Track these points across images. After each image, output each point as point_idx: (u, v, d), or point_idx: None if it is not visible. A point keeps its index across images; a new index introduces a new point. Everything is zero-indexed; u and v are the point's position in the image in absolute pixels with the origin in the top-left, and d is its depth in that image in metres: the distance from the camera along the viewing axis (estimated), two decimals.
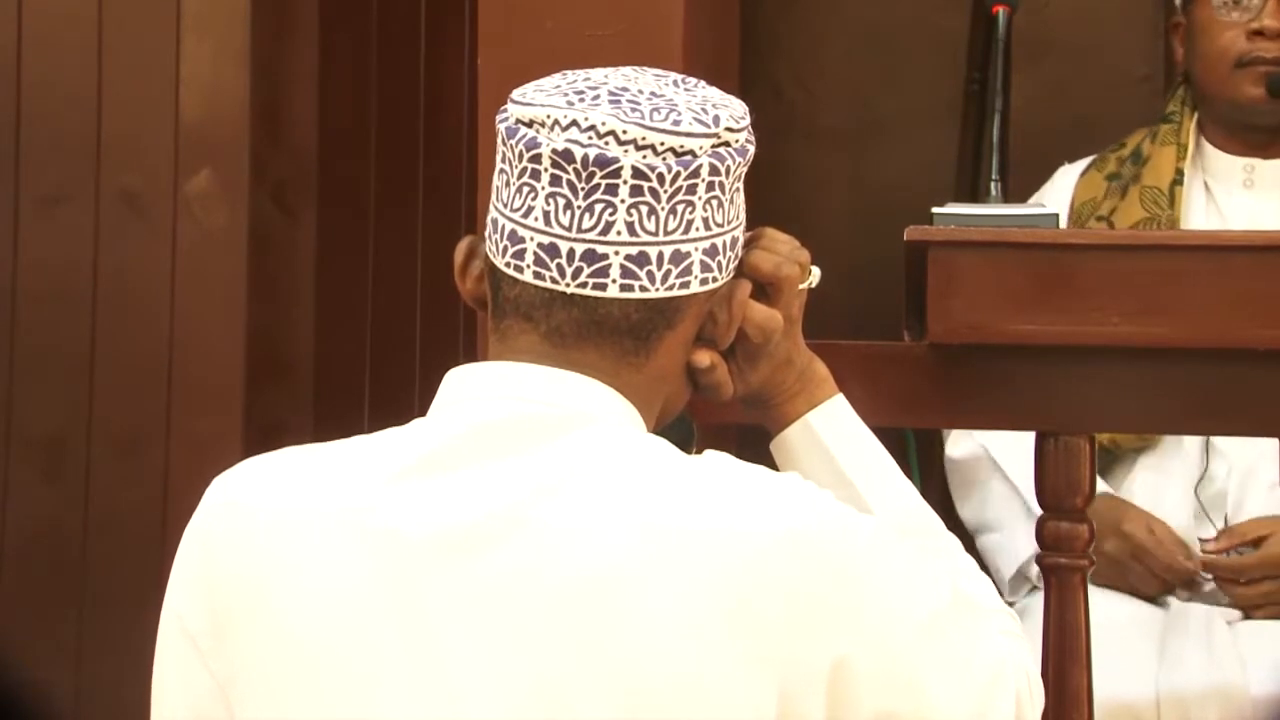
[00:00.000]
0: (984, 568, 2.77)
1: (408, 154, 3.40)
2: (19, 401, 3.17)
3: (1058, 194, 2.90)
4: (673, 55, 2.15)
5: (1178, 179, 2.87)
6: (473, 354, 2.13)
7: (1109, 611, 2.63)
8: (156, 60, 3.15)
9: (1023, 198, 2.28)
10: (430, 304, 3.39)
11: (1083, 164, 2.96)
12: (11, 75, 3.17)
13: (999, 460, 2.76)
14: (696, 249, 1.56)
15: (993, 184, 2.16)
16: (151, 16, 3.15)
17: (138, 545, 3.09)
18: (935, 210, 2.02)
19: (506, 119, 1.57)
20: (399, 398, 3.26)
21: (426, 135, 3.41)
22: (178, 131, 3.14)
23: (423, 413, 1.57)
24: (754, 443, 1.73)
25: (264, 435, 3.05)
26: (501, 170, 1.57)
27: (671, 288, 1.55)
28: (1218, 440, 2.75)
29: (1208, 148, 2.91)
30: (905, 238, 1.97)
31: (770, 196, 1.68)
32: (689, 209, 1.54)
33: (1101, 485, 2.75)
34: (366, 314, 3.30)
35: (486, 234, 1.59)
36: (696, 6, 2.31)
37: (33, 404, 3.17)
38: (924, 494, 1.77)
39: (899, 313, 2.19)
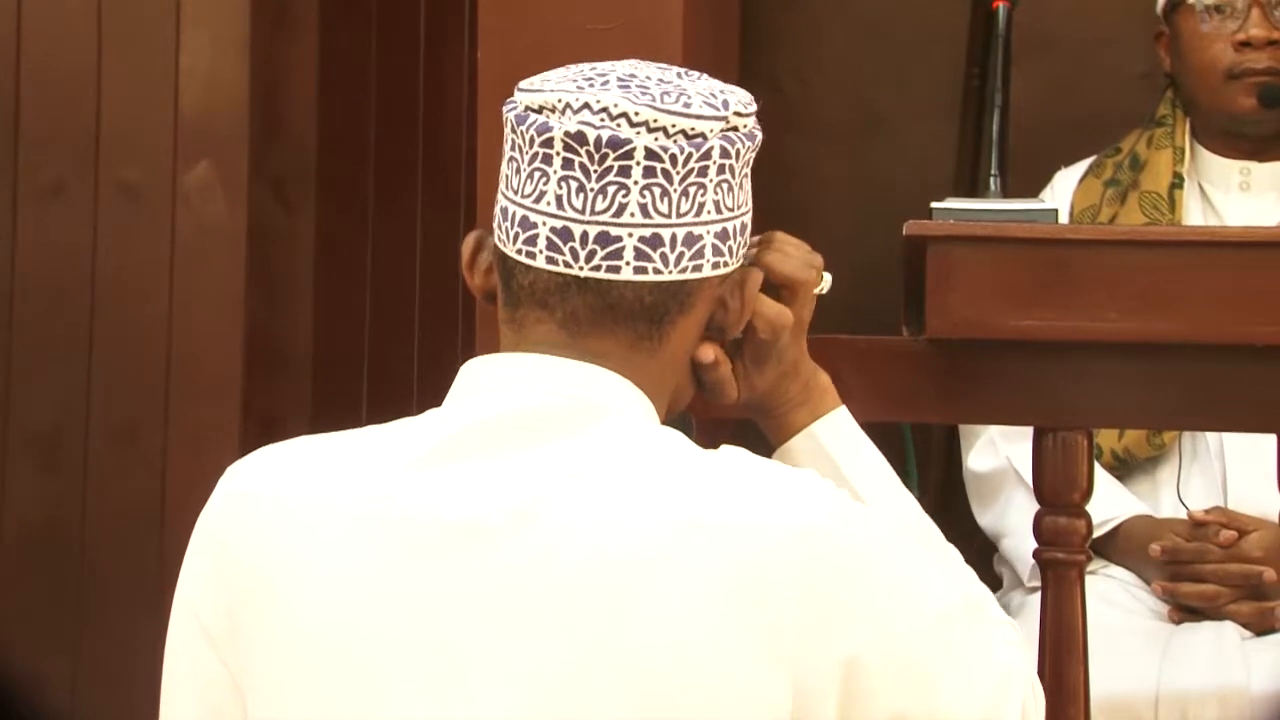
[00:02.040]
0: (999, 574, 2.80)
1: (407, 147, 3.39)
2: (17, 392, 3.17)
3: (1057, 200, 2.89)
4: (672, 50, 2.15)
5: (1176, 183, 2.85)
6: (471, 347, 2.13)
7: (1120, 612, 2.64)
8: (156, 52, 3.14)
9: (1022, 192, 2.28)
10: (429, 297, 3.39)
11: (1079, 169, 2.95)
12: (10, 66, 3.17)
13: (1022, 473, 2.75)
14: (708, 232, 1.56)
15: (992, 179, 2.16)
16: (151, 8, 3.15)
17: (136, 536, 3.09)
18: (934, 205, 2.02)
19: (515, 107, 1.57)
20: (397, 390, 3.26)
21: (426, 128, 3.41)
22: (177, 123, 3.14)
23: (421, 405, 1.57)
24: (751, 436, 1.73)
25: (262, 427, 3.05)
26: (511, 158, 1.57)
27: (685, 270, 1.55)
28: (1231, 445, 2.74)
29: (1202, 151, 2.89)
30: (904, 232, 1.97)
31: (769, 191, 1.69)
32: (700, 191, 1.55)
33: (1136, 504, 2.75)
34: (365, 306, 3.30)
35: (495, 224, 1.59)
36: (696, 1, 2.31)
37: (31, 395, 3.17)
38: (921, 491, 1.78)
39: (897, 307, 2.19)
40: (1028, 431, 2.05)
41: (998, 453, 2.81)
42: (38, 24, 3.18)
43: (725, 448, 1.53)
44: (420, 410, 1.58)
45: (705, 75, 1.60)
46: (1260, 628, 2.64)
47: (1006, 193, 2.17)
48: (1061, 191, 2.93)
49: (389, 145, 3.34)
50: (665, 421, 1.60)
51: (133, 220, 3.15)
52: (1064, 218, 2.84)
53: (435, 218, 3.38)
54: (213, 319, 3.12)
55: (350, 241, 3.27)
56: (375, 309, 3.31)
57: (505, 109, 1.58)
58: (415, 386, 3.31)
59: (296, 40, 3.18)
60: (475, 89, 2.21)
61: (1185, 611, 2.68)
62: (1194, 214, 2.88)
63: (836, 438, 1.73)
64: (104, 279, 3.16)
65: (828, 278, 1.72)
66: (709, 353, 1.61)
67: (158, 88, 3.14)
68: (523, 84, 1.58)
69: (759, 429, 1.77)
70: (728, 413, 1.84)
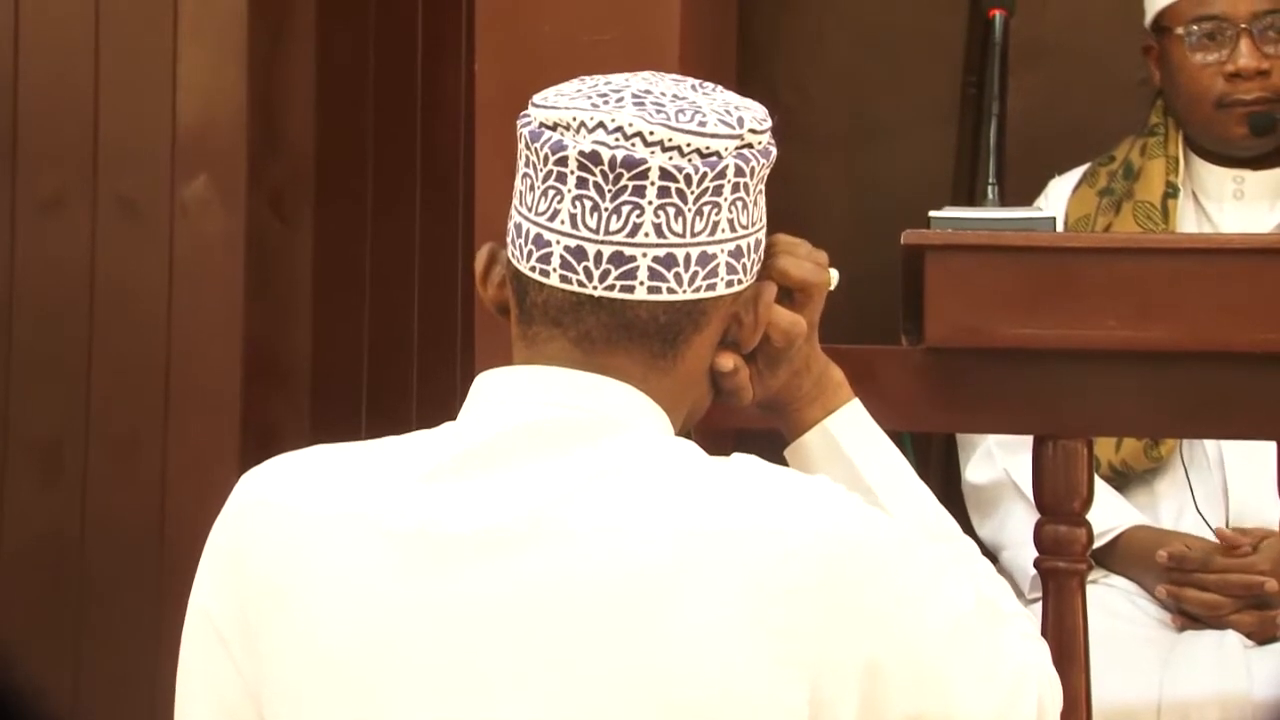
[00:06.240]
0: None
1: (405, 159, 3.40)
2: (17, 405, 3.17)
3: (1051, 208, 2.88)
4: (669, 60, 2.15)
5: (1170, 192, 2.84)
6: (470, 358, 2.14)
7: (1122, 621, 2.63)
8: (153, 65, 3.14)
9: (1018, 200, 2.29)
10: (427, 308, 3.39)
11: (1074, 177, 2.94)
12: (9, 79, 3.17)
13: (1020, 485, 2.75)
14: (723, 250, 1.56)
15: (990, 187, 2.17)
16: (148, 21, 3.15)
17: (135, 548, 3.09)
18: (932, 214, 2.02)
19: (529, 123, 1.57)
20: (396, 402, 3.26)
21: (423, 140, 3.42)
22: (175, 136, 3.14)
23: (421, 417, 1.58)
24: (753, 446, 1.73)
25: (261, 439, 3.05)
26: (525, 174, 1.57)
27: (699, 289, 1.55)
28: (1231, 454, 2.74)
29: (1195, 160, 2.88)
30: (902, 241, 1.97)
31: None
32: (715, 210, 1.55)
33: (1136, 514, 2.75)
34: (363, 318, 3.30)
35: (509, 239, 1.59)
36: (694, 11, 2.31)
37: (30, 407, 3.17)
38: None
39: (896, 316, 2.19)
40: (1025, 443, 2.05)
41: (995, 465, 2.81)
42: (35, 37, 3.18)
43: (738, 456, 1.53)
44: (419, 422, 1.58)
45: (720, 88, 1.60)
46: (1263, 636, 2.64)
47: (1004, 201, 2.17)
48: (1056, 200, 2.92)
49: (387, 157, 3.34)
50: (680, 433, 1.60)
51: (131, 233, 3.15)
52: (1059, 226, 2.84)
53: (434, 230, 3.38)
54: (211, 332, 3.13)
55: (349, 253, 3.27)
56: (374, 321, 3.31)
57: (519, 124, 1.58)
58: (415, 398, 3.31)
59: (294, 53, 3.19)
60: (473, 100, 2.21)
61: (1188, 619, 2.68)
62: (1188, 223, 2.87)
63: (849, 432, 1.73)
64: (103, 292, 3.16)
65: (835, 274, 1.71)
66: (729, 361, 1.61)
67: (156, 101, 3.14)
68: (536, 98, 1.58)
69: (760, 440, 1.77)
70: (732, 422, 1.84)
